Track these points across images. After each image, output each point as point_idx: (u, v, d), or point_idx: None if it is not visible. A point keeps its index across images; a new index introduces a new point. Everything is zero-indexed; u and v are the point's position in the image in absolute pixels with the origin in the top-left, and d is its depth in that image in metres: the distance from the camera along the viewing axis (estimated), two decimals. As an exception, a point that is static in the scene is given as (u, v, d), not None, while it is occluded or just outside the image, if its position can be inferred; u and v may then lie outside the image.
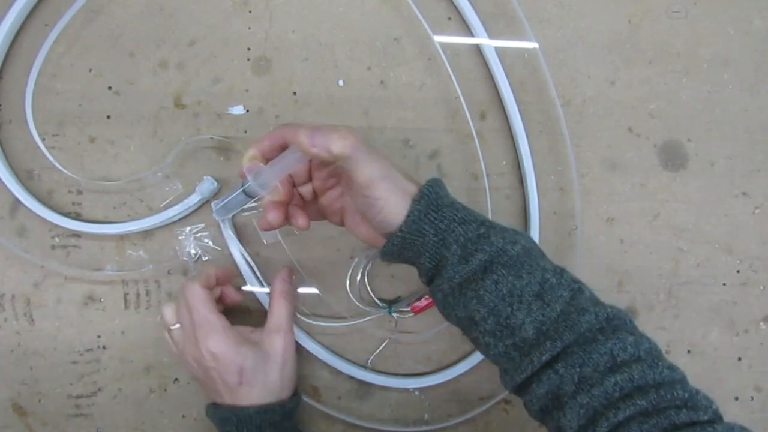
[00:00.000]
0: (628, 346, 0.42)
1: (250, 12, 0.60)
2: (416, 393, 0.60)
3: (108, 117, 0.59)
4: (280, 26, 0.60)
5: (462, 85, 0.58)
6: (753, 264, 0.62)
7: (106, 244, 0.59)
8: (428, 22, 0.58)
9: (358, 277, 0.60)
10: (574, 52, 0.61)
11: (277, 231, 0.58)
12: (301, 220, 0.49)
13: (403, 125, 0.60)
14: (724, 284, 0.62)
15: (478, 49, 0.60)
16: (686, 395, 0.40)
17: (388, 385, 0.59)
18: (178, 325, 0.52)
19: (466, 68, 0.60)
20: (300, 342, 0.58)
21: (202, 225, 0.59)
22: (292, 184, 0.50)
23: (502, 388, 0.48)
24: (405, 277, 0.60)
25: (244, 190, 0.48)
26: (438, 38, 0.58)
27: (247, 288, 0.58)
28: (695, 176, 0.61)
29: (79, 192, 0.59)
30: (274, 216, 0.48)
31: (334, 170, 0.49)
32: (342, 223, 0.51)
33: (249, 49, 0.60)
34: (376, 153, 0.45)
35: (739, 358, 0.62)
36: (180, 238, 0.59)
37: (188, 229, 0.59)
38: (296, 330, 0.58)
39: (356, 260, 0.60)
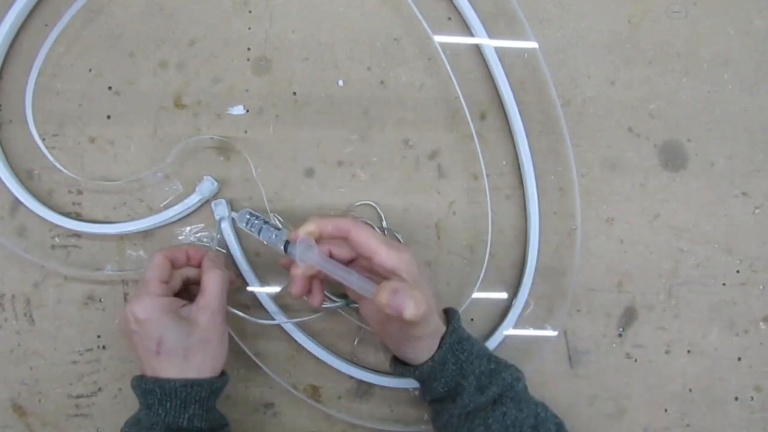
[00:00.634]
0: None
1: (250, 12, 0.59)
2: (416, 393, 0.60)
3: (108, 117, 0.59)
4: (280, 26, 0.60)
5: (462, 85, 0.58)
6: (753, 264, 0.62)
7: (106, 244, 0.59)
8: (428, 22, 0.58)
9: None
10: (574, 52, 0.61)
11: None
12: (317, 299, 0.52)
13: (403, 125, 0.60)
14: (723, 284, 0.62)
15: (478, 49, 0.60)
16: None
17: (388, 385, 0.59)
18: None
19: (466, 68, 0.60)
20: (300, 342, 0.58)
21: (202, 225, 0.59)
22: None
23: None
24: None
25: (284, 247, 0.50)
26: (438, 38, 0.58)
27: (250, 288, 0.58)
28: (695, 176, 0.61)
29: (79, 192, 0.59)
30: (298, 288, 0.50)
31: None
32: (356, 302, 0.56)
33: (249, 49, 0.60)
34: (431, 299, 0.48)
35: (739, 358, 0.62)
36: (180, 238, 0.59)
37: (188, 229, 0.59)
38: (296, 330, 0.58)
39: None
